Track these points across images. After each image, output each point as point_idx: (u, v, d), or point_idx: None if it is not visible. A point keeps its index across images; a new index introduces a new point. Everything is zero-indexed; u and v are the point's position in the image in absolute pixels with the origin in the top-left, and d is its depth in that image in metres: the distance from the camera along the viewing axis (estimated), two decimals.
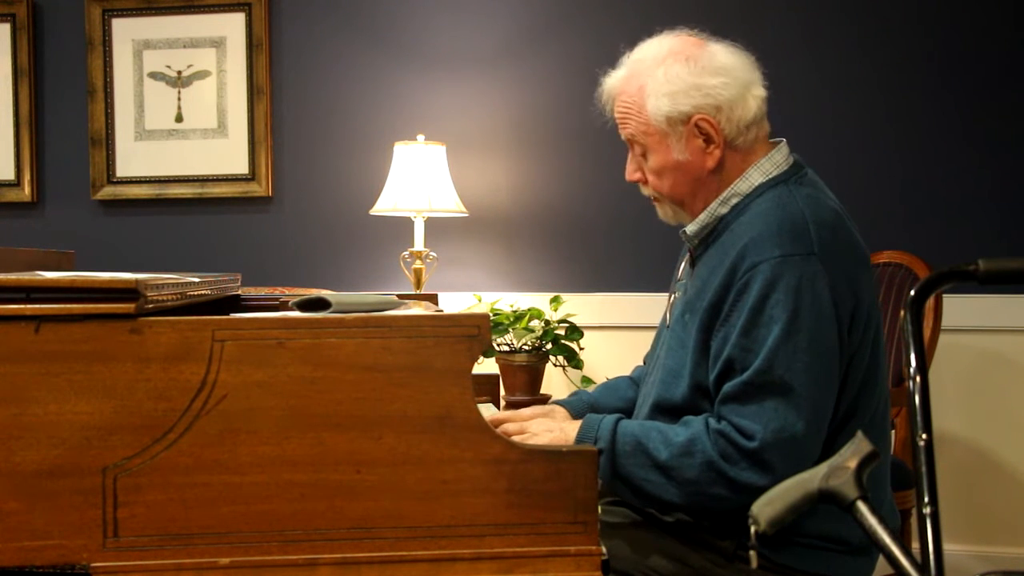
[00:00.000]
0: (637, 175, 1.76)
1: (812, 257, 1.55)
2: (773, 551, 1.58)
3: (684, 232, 1.75)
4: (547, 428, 1.69)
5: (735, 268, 1.59)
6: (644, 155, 1.73)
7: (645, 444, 1.57)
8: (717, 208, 1.69)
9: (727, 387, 1.56)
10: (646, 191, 1.78)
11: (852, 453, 1.07)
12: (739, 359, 1.55)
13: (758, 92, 1.69)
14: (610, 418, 1.63)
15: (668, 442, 1.56)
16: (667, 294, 1.90)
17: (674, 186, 1.71)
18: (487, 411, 2.00)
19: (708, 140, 1.67)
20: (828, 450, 1.56)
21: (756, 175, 1.68)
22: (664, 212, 1.79)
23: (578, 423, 1.66)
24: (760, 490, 1.47)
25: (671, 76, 1.66)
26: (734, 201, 1.68)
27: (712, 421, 1.56)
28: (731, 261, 1.60)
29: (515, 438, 1.60)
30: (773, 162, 1.69)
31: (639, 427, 1.61)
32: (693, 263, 1.76)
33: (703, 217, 1.71)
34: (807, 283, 1.53)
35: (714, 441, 1.53)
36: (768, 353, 1.52)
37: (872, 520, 1.03)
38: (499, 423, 1.76)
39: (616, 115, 1.75)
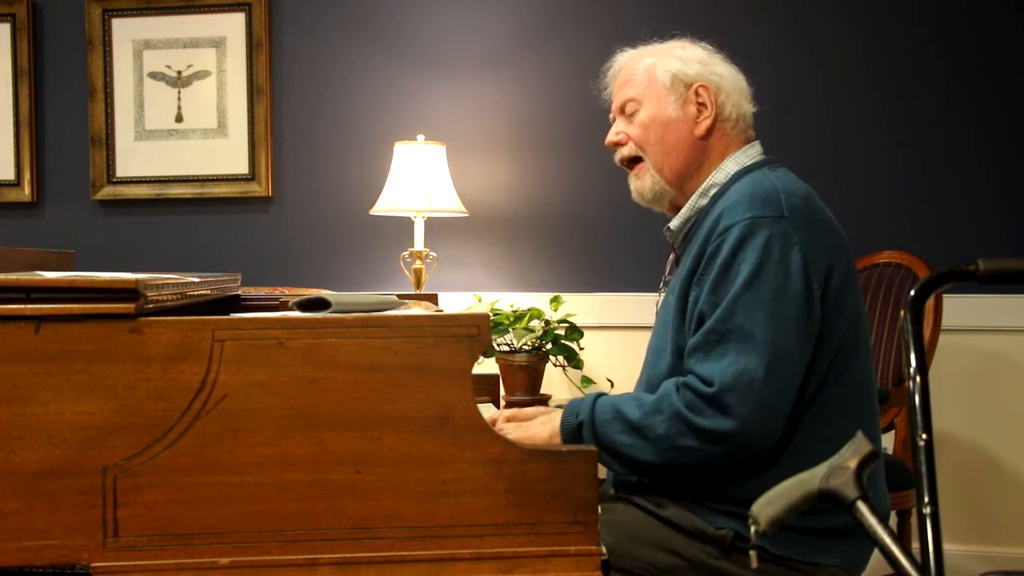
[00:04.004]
0: (620, 136, 1.82)
1: (782, 220, 1.60)
2: (771, 543, 1.59)
3: (668, 228, 1.82)
4: (540, 422, 1.74)
5: (709, 236, 1.64)
6: (634, 114, 1.79)
7: (621, 410, 1.62)
8: (697, 200, 1.77)
9: (692, 340, 1.61)
10: (624, 152, 1.81)
11: (852, 453, 1.07)
12: (707, 314, 1.60)
13: (750, 104, 1.81)
14: (591, 395, 1.69)
15: (641, 404, 1.61)
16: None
17: (660, 142, 1.77)
18: (487, 411, 2.00)
19: (701, 111, 1.76)
20: (807, 414, 1.60)
21: (731, 165, 1.77)
22: (639, 184, 1.82)
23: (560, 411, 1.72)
24: (724, 435, 1.54)
25: (687, 50, 1.80)
26: (712, 192, 1.76)
27: (680, 379, 1.61)
28: (706, 232, 1.66)
29: (514, 435, 1.62)
30: (748, 155, 1.79)
31: (617, 397, 1.67)
32: (677, 262, 1.81)
33: (685, 211, 1.78)
34: (775, 242, 1.58)
35: (681, 394, 1.57)
36: (729, 303, 1.57)
37: (872, 520, 1.03)
38: (501, 420, 1.77)
39: (618, 80, 1.83)
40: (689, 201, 1.77)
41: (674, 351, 1.67)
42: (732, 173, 1.75)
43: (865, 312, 1.73)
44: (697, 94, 1.75)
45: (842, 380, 1.64)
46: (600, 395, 1.69)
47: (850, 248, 1.70)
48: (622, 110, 1.82)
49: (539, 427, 1.71)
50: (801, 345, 1.58)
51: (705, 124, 1.75)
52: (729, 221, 1.61)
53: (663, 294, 1.86)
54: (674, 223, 1.79)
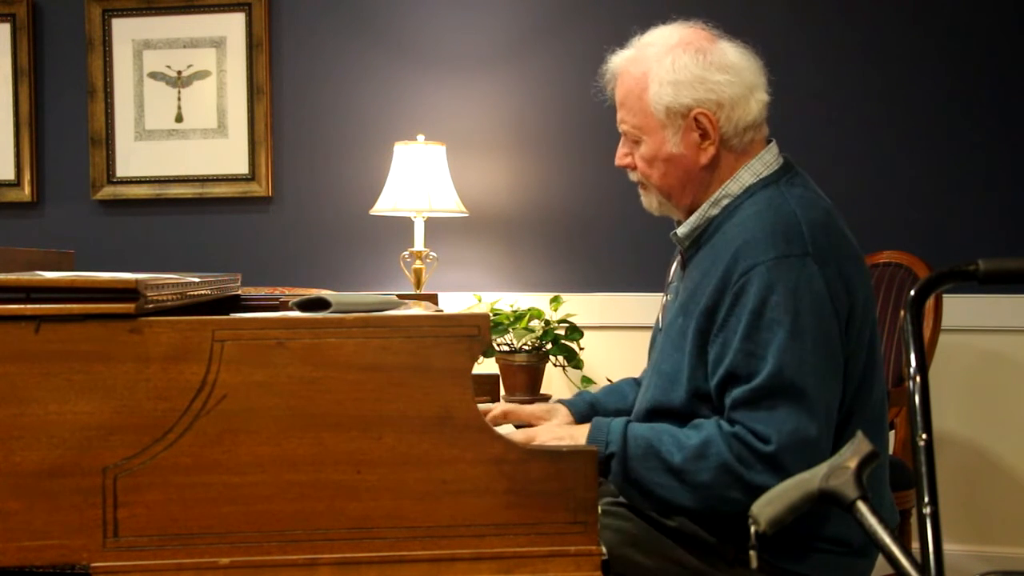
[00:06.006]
0: (627, 160, 1.74)
1: (807, 258, 1.54)
2: (774, 555, 1.58)
3: (675, 234, 1.74)
4: (556, 436, 1.65)
5: (729, 272, 1.57)
6: (637, 141, 1.70)
7: (657, 447, 1.54)
8: (708, 210, 1.68)
9: (737, 392, 1.54)
10: (634, 176, 1.75)
11: (852, 453, 1.07)
12: (743, 364, 1.53)
13: (761, 96, 1.68)
14: (619, 421, 1.60)
15: (681, 445, 1.54)
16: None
17: (663, 177, 1.69)
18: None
19: (704, 136, 1.65)
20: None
21: (746, 176, 1.67)
22: (648, 201, 1.77)
23: (586, 427, 1.63)
24: None
25: (678, 66, 1.64)
26: (724, 202, 1.67)
27: (725, 424, 1.54)
28: (725, 265, 1.58)
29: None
30: (763, 162, 1.68)
31: (650, 430, 1.59)
32: (684, 265, 1.75)
33: (694, 219, 1.70)
34: (804, 284, 1.53)
35: (728, 444, 1.51)
36: (776, 357, 1.51)
37: (872, 520, 1.03)
38: (501, 416, 1.76)
39: (616, 96, 1.73)
40: (699, 210, 1.68)
41: (690, 390, 1.60)
42: (747, 185, 1.66)
43: (879, 337, 1.68)
44: (697, 121, 1.64)
45: (862, 409, 1.61)
46: (628, 422, 1.60)
47: (868, 273, 1.65)
48: (624, 131, 1.73)
49: (555, 442, 1.60)
50: (838, 391, 1.56)
51: (709, 152, 1.66)
52: (753, 260, 1.54)
53: (667, 297, 1.82)
54: (681, 230, 1.71)
